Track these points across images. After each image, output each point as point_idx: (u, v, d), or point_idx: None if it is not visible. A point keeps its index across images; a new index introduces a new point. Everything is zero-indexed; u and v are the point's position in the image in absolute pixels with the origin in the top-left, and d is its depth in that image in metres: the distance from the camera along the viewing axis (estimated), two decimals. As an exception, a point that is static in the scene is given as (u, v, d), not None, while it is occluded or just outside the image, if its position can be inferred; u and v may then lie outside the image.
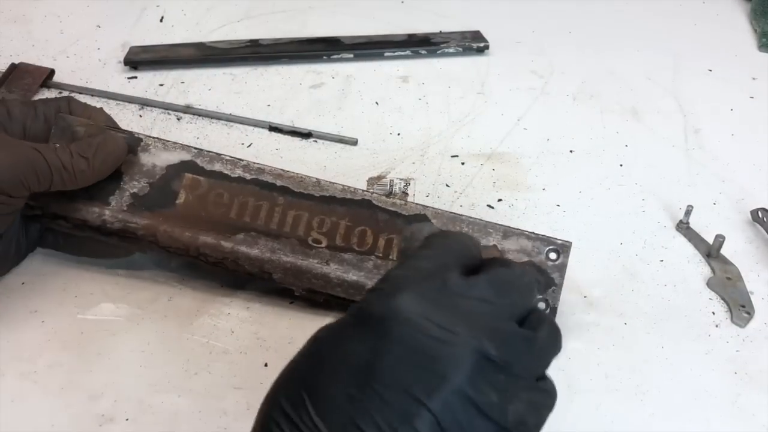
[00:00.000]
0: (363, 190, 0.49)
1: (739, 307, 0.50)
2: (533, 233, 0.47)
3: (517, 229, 0.47)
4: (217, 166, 0.49)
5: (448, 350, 0.30)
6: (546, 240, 0.47)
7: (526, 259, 0.46)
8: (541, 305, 0.46)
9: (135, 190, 0.48)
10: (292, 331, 0.47)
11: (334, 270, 0.47)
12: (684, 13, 0.84)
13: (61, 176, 0.44)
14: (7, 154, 0.42)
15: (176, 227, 0.47)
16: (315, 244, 0.47)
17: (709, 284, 0.51)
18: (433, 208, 0.48)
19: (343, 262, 0.47)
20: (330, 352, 0.31)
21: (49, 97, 0.67)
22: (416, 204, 0.48)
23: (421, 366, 0.29)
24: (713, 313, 0.50)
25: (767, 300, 0.51)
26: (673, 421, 0.43)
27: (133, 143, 0.49)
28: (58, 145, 0.45)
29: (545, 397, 0.32)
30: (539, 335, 0.33)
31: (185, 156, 0.49)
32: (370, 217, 0.48)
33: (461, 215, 0.48)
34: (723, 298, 0.50)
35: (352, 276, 0.47)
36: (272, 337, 0.47)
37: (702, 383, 0.45)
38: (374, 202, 0.48)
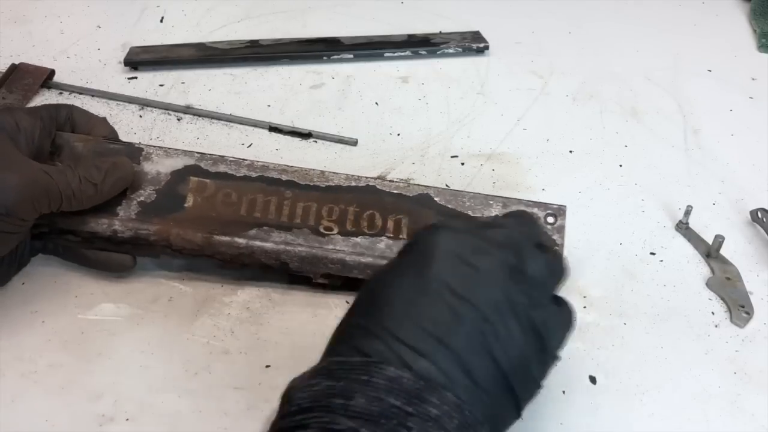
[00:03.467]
0: (366, 177, 0.51)
1: (739, 307, 0.50)
2: (530, 201, 0.51)
3: (515, 198, 0.51)
4: (222, 168, 0.50)
5: (483, 259, 0.35)
6: (543, 205, 0.50)
7: None
8: None
9: (142, 198, 0.48)
10: (291, 331, 0.47)
11: (349, 254, 0.48)
12: (684, 13, 0.84)
13: (70, 201, 0.45)
14: (21, 176, 0.42)
15: (188, 229, 0.48)
16: (327, 232, 0.48)
17: (709, 284, 0.52)
18: (435, 187, 0.51)
19: (357, 246, 0.48)
20: (386, 274, 0.36)
21: (50, 100, 0.67)
22: (419, 185, 0.51)
23: (463, 272, 0.34)
24: (713, 313, 0.50)
25: (767, 300, 0.51)
26: (673, 421, 0.43)
27: (134, 153, 0.50)
28: (68, 168, 0.45)
29: (565, 312, 0.37)
30: (554, 258, 0.38)
31: (188, 161, 0.50)
32: (377, 201, 0.49)
33: (462, 191, 0.51)
34: (722, 299, 0.50)
35: (368, 258, 0.48)
36: (272, 337, 0.47)
37: (702, 383, 0.45)
38: (378, 186, 0.50)
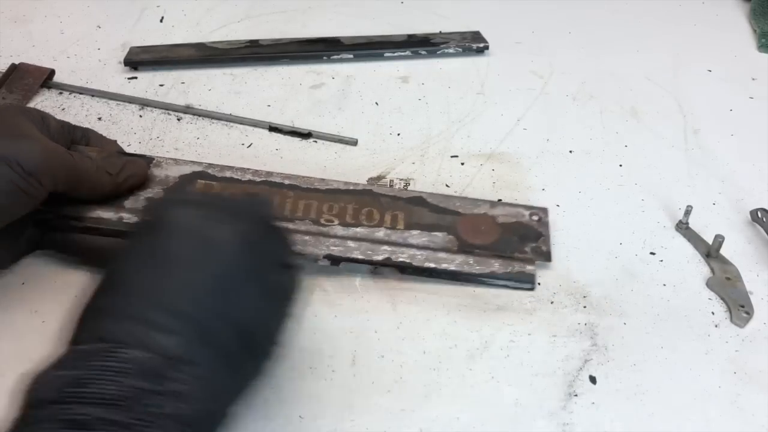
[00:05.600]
0: (364, 184, 0.55)
1: (739, 307, 0.50)
2: (515, 203, 0.55)
3: (501, 201, 0.55)
4: (228, 174, 0.54)
5: (221, 231, 0.36)
6: (526, 207, 0.55)
7: (514, 220, 0.53)
8: (536, 251, 0.51)
9: (150, 195, 0.51)
10: (291, 331, 0.47)
11: (350, 237, 0.50)
12: (684, 13, 0.84)
13: (84, 183, 0.47)
14: (46, 146, 0.45)
15: None
16: (328, 223, 0.51)
17: (709, 284, 0.52)
18: (427, 192, 0.55)
19: (357, 233, 0.50)
20: (123, 253, 0.37)
21: (50, 100, 0.67)
22: (412, 190, 0.56)
23: (199, 245, 0.35)
24: (713, 313, 0.50)
25: (767, 300, 0.51)
26: (673, 421, 0.43)
27: (146, 160, 0.53)
28: (87, 156, 0.48)
29: (294, 274, 0.39)
30: (280, 230, 0.40)
31: (196, 168, 0.54)
32: (374, 200, 0.53)
33: (452, 195, 0.55)
34: (722, 298, 0.50)
35: (367, 242, 0.50)
36: (272, 337, 0.47)
37: (702, 383, 0.45)
38: (375, 190, 0.54)
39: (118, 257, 0.36)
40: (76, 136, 0.51)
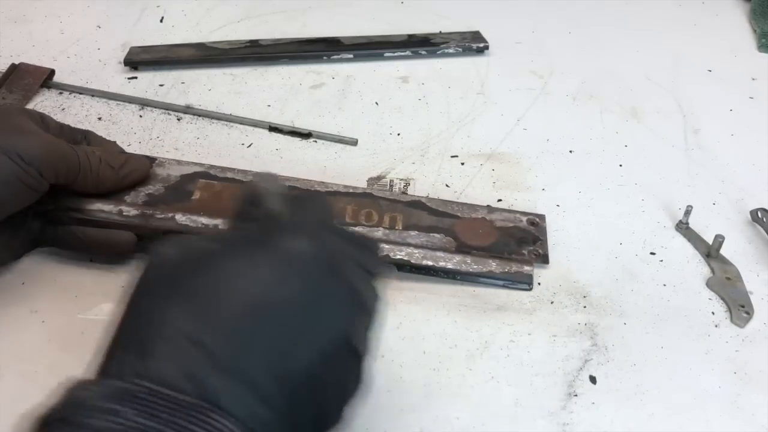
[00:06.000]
0: (363, 187, 0.55)
1: (739, 307, 0.50)
2: (512, 209, 0.55)
3: (498, 207, 0.55)
4: (229, 174, 0.54)
5: (344, 297, 0.31)
6: (523, 213, 0.55)
7: (512, 225, 0.53)
8: (534, 254, 0.52)
9: (150, 191, 0.51)
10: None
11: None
12: (684, 13, 0.84)
13: (86, 176, 0.47)
14: (46, 139, 0.45)
15: (193, 214, 0.50)
16: None
17: (709, 284, 0.51)
18: (426, 196, 0.55)
19: (355, 232, 0.51)
20: (233, 277, 0.30)
21: (50, 99, 0.67)
22: (412, 194, 0.56)
23: (322, 308, 0.30)
24: (713, 313, 0.50)
25: (767, 300, 0.51)
26: (673, 421, 0.43)
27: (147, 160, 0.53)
28: (89, 149, 0.48)
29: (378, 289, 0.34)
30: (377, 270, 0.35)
31: (198, 168, 0.54)
32: (373, 203, 0.53)
33: (450, 201, 0.55)
34: (722, 298, 0.50)
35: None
36: (272, 337, 0.47)
37: (702, 383, 0.45)
38: (374, 193, 0.54)
39: (233, 267, 0.30)
40: (76, 138, 0.51)
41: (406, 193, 0.57)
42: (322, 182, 0.54)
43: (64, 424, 0.25)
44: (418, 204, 0.54)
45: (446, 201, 0.55)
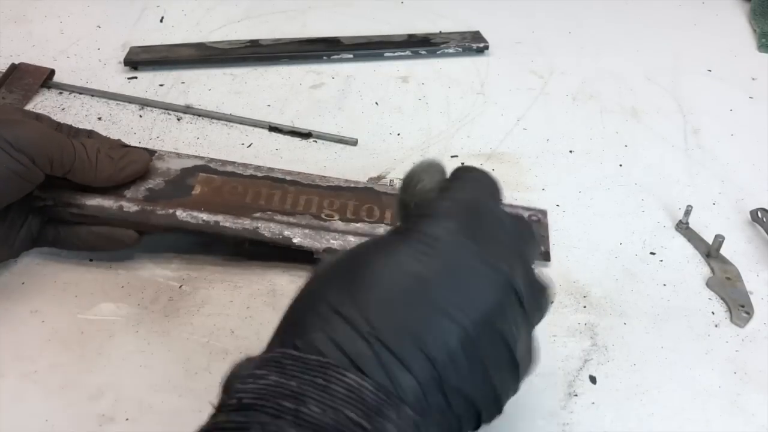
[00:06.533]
0: (364, 182, 0.55)
1: (739, 307, 0.50)
2: (514, 205, 0.55)
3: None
4: (229, 168, 0.53)
5: (487, 278, 0.31)
6: (525, 208, 0.55)
7: None
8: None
9: (150, 185, 0.51)
10: (292, 331, 0.47)
11: (351, 233, 0.50)
12: (684, 13, 0.84)
13: (83, 165, 0.46)
14: (39, 128, 0.44)
15: (194, 210, 0.49)
16: (328, 218, 0.51)
17: (709, 284, 0.52)
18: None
19: (357, 229, 0.51)
20: (378, 261, 0.31)
21: (50, 99, 0.67)
22: None
23: (461, 287, 0.31)
24: (713, 313, 0.50)
25: (767, 300, 0.51)
26: (673, 421, 0.43)
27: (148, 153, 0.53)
28: (89, 141, 0.48)
29: (536, 349, 0.35)
30: (547, 289, 0.35)
31: (198, 162, 0.54)
32: (375, 198, 0.53)
33: None
34: (722, 298, 0.50)
35: (368, 237, 0.50)
36: (272, 337, 0.47)
37: (702, 383, 0.45)
38: (376, 188, 0.54)
39: (365, 254, 0.32)
40: (79, 136, 0.51)
41: None
42: (323, 176, 0.54)
43: (223, 392, 0.30)
44: None
45: None
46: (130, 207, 0.49)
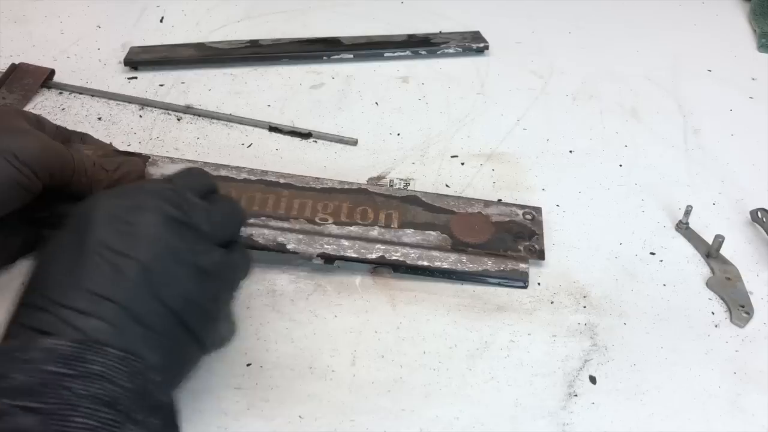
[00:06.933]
0: (359, 183, 0.55)
1: (739, 307, 0.50)
2: (508, 203, 0.55)
3: (494, 201, 0.56)
4: (223, 172, 0.54)
5: (140, 215, 0.36)
6: (519, 206, 0.55)
7: (508, 219, 0.54)
8: (530, 249, 0.52)
9: None
10: (291, 331, 0.47)
11: (345, 236, 0.50)
12: (683, 13, 0.84)
13: (80, 178, 0.46)
14: (41, 139, 0.45)
15: None
16: (322, 222, 0.51)
17: (709, 284, 0.52)
18: (422, 191, 0.55)
19: (351, 232, 0.51)
20: (48, 248, 0.37)
21: (50, 99, 0.67)
22: (406, 189, 0.56)
23: (121, 230, 0.36)
24: (713, 313, 0.50)
25: (767, 300, 0.51)
26: (673, 421, 0.43)
27: (142, 160, 0.53)
28: (84, 153, 0.48)
29: (235, 255, 0.40)
30: (218, 205, 0.40)
31: (191, 166, 0.52)
32: (368, 199, 0.53)
33: (446, 195, 0.55)
34: (722, 299, 0.50)
35: (362, 241, 0.50)
36: (272, 337, 0.47)
37: (702, 383, 0.45)
38: (370, 189, 0.54)
39: (43, 252, 0.37)
40: (73, 140, 0.51)
41: (400, 188, 0.57)
42: (318, 178, 0.54)
43: None
44: (413, 199, 0.54)
45: (442, 195, 0.55)
46: None
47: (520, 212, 0.54)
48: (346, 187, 0.54)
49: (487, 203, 0.55)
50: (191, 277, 0.36)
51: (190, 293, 0.36)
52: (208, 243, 0.38)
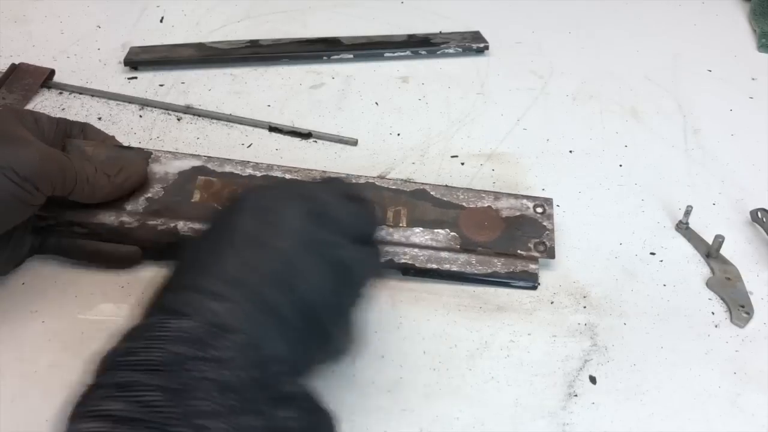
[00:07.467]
0: (366, 176, 0.54)
1: (739, 307, 0.50)
2: (519, 194, 0.54)
3: (505, 192, 0.54)
4: (228, 168, 0.52)
5: (282, 207, 0.37)
6: (530, 198, 0.54)
7: (518, 214, 0.53)
8: (540, 247, 0.51)
9: (149, 194, 0.50)
10: (292, 331, 0.47)
11: None
12: (684, 13, 0.84)
13: (83, 187, 0.46)
14: (42, 151, 0.44)
15: (195, 219, 0.49)
16: None
17: (709, 284, 0.52)
18: (430, 183, 0.54)
19: None
20: (196, 239, 0.39)
21: (50, 100, 0.67)
22: (415, 182, 0.55)
23: (263, 221, 0.37)
24: (713, 313, 0.50)
25: (766, 300, 0.51)
26: (673, 421, 0.43)
27: (143, 157, 0.52)
28: (85, 159, 0.48)
29: (371, 252, 0.40)
30: (361, 206, 0.41)
31: (195, 162, 0.53)
32: (376, 194, 0.52)
33: (456, 187, 0.54)
34: (722, 299, 0.50)
35: None
36: (272, 337, 0.47)
37: (702, 383, 0.45)
38: (377, 183, 0.53)
39: (191, 242, 0.38)
40: (72, 132, 0.51)
41: (406, 180, 0.56)
42: (324, 172, 0.53)
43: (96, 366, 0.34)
44: (422, 194, 0.53)
45: (451, 188, 0.54)
46: (132, 223, 0.49)
47: (531, 205, 0.53)
48: (354, 181, 0.53)
49: (498, 195, 0.53)
50: (326, 270, 0.37)
51: (324, 287, 0.36)
52: (346, 238, 0.38)
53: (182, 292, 0.34)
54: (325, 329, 0.37)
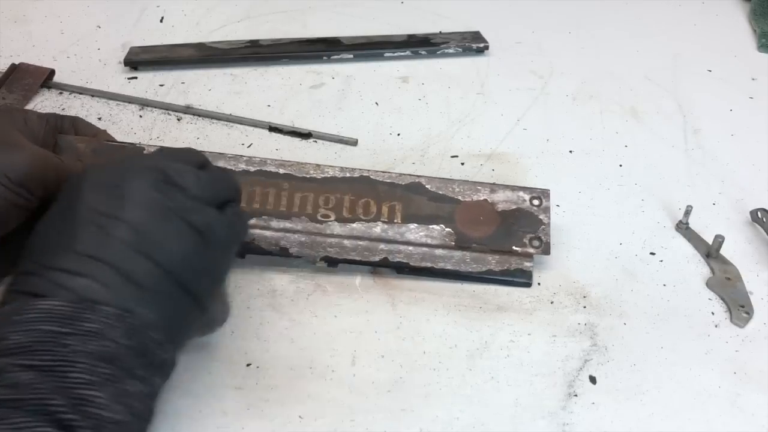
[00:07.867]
0: (360, 169, 0.53)
1: (739, 307, 0.50)
2: (516, 186, 0.53)
3: (502, 184, 0.53)
4: (221, 163, 0.52)
5: (128, 179, 0.37)
6: (527, 189, 0.53)
7: (514, 207, 0.52)
8: (535, 242, 0.51)
9: None
10: (291, 331, 0.47)
11: (346, 237, 0.50)
12: (684, 13, 0.84)
13: None
14: (34, 154, 0.44)
15: None
16: (324, 219, 0.51)
17: (709, 284, 0.52)
18: (426, 176, 0.53)
19: (354, 231, 0.50)
20: (42, 218, 0.38)
21: (50, 100, 0.67)
22: (410, 174, 0.53)
23: (109, 194, 0.37)
24: (713, 313, 0.50)
25: (767, 300, 0.51)
26: (673, 421, 0.43)
27: (136, 152, 0.51)
28: (77, 159, 0.48)
29: (229, 214, 0.40)
30: (207, 169, 0.40)
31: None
32: (371, 189, 0.52)
33: (452, 179, 0.53)
34: (722, 299, 0.50)
35: (365, 241, 0.50)
36: (272, 337, 0.47)
37: (701, 383, 0.45)
38: (372, 177, 0.53)
39: (38, 222, 0.38)
40: (63, 127, 0.50)
41: (401, 174, 0.54)
42: (318, 165, 0.53)
43: None
44: (417, 187, 0.52)
45: (447, 180, 0.53)
46: None
47: (527, 197, 0.52)
48: (348, 175, 0.52)
49: (494, 188, 0.53)
50: (184, 235, 0.37)
51: (185, 252, 0.37)
52: (199, 202, 0.38)
53: (39, 273, 0.35)
54: (193, 294, 0.37)
